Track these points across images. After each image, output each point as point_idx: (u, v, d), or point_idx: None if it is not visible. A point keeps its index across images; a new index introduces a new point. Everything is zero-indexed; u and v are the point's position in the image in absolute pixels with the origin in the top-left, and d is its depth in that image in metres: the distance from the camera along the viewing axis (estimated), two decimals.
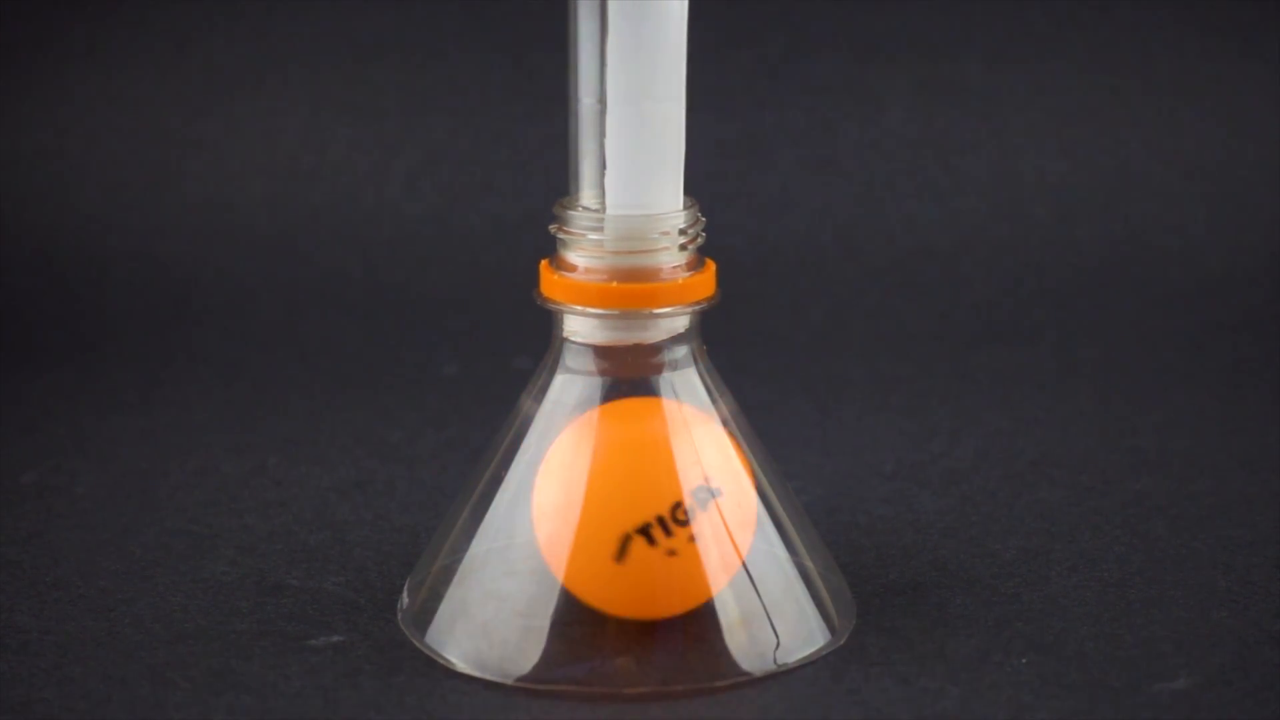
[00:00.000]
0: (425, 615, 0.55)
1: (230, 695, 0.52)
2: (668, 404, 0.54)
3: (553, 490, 0.54)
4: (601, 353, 0.54)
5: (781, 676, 0.53)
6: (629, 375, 0.54)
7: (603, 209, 0.53)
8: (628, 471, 0.53)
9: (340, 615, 0.57)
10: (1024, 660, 0.54)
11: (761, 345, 0.86)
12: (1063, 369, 0.83)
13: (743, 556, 0.53)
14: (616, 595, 0.53)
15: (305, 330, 0.87)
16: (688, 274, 0.53)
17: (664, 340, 0.54)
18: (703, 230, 0.54)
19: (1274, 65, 0.96)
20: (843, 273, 0.92)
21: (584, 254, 0.53)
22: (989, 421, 0.75)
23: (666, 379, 0.54)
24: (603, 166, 0.53)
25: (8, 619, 0.57)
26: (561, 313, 0.54)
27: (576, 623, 0.53)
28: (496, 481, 0.55)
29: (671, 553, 0.52)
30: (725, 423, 0.55)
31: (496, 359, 0.83)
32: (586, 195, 0.54)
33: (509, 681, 0.52)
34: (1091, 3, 0.97)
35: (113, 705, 0.52)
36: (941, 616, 0.57)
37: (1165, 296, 0.90)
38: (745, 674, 0.53)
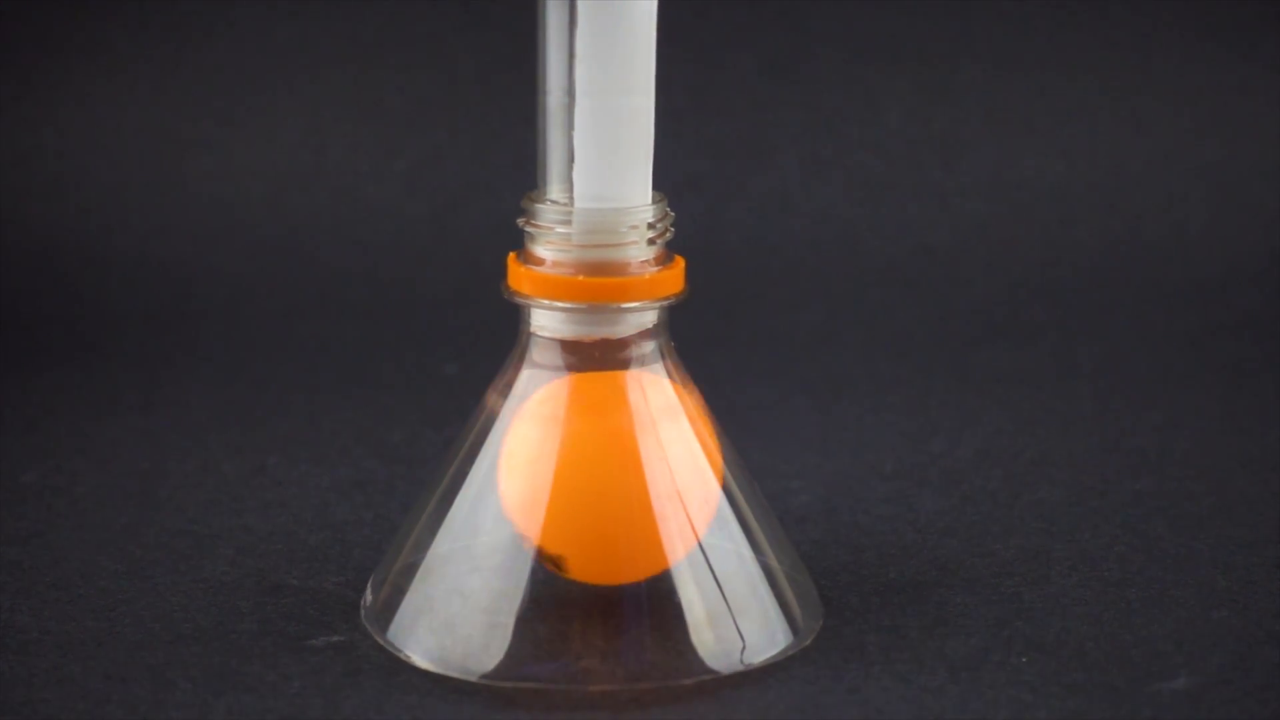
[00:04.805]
0: (388, 612, 0.55)
1: (230, 695, 0.52)
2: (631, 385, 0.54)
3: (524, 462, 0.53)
4: (568, 348, 0.53)
5: (781, 674, 0.53)
6: (596, 371, 0.54)
7: (570, 202, 0.52)
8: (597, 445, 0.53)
9: (340, 615, 0.57)
10: (1024, 660, 0.54)
11: (761, 344, 0.86)
12: (1063, 369, 0.83)
13: (699, 536, 0.53)
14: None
15: (305, 330, 0.87)
16: (656, 269, 0.53)
17: (632, 335, 0.53)
18: (671, 225, 0.53)
19: (1273, 66, 0.96)
20: (843, 273, 0.92)
21: (551, 247, 0.52)
22: (989, 421, 0.75)
23: (634, 375, 0.54)
24: (571, 159, 0.52)
25: (8, 619, 0.57)
26: (528, 307, 0.53)
27: (541, 620, 0.53)
28: (461, 478, 0.55)
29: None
30: (692, 420, 0.54)
31: (496, 359, 0.83)
32: (554, 189, 0.53)
33: (472, 679, 0.52)
34: (1091, 3, 0.97)
35: (113, 705, 0.52)
36: (941, 616, 0.57)
37: (1165, 296, 0.90)
38: (712, 672, 0.52)
